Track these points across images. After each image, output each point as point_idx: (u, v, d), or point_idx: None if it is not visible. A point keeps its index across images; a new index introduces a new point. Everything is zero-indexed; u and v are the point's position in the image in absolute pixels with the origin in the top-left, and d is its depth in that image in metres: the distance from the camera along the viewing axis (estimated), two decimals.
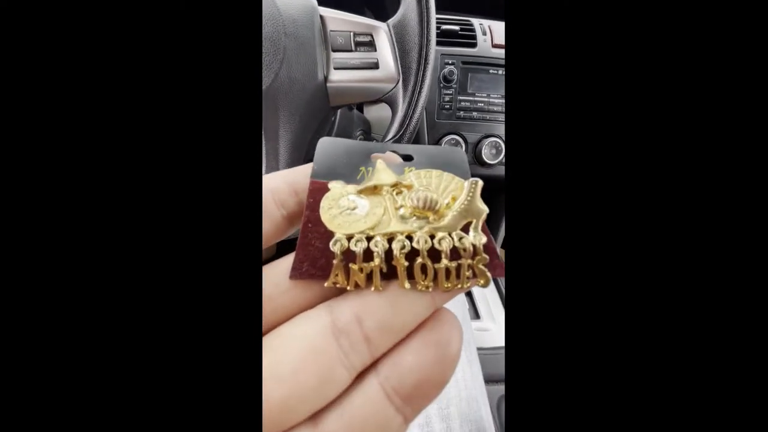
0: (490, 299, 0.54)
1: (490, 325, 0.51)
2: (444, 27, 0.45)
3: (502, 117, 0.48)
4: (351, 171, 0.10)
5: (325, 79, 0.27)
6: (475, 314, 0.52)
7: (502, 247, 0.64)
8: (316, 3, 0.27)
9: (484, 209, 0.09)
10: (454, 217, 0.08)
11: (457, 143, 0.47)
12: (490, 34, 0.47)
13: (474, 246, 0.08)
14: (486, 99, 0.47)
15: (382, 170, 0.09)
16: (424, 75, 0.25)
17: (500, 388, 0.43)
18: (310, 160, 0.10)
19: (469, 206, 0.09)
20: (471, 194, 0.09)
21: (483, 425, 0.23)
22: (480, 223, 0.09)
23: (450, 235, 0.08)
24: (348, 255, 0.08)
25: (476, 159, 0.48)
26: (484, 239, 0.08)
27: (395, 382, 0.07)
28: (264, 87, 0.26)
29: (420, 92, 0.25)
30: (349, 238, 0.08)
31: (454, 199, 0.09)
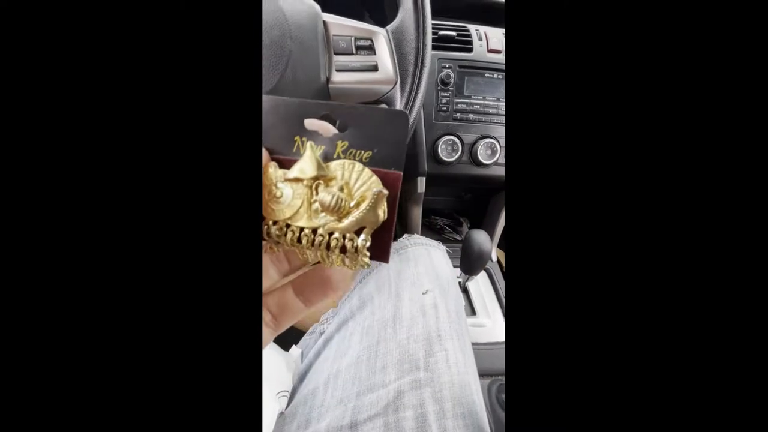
0: (486, 296, 0.55)
1: (486, 322, 0.52)
2: (441, 32, 0.47)
3: (497, 119, 0.49)
4: (287, 139, 0.11)
5: (327, 80, 0.29)
6: (472, 311, 0.53)
7: (498, 246, 0.66)
8: (319, 9, 0.28)
9: (381, 219, 0.10)
10: (350, 223, 0.10)
11: (454, 144, 0.49)
12: (486, 39, 0.49)
13: (357, 247, 0.10)
14: (482, 101, 0.49)
15: (310, 157, 0.10)
16: (420, 77, 0.26)
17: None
18: None
19: (366, 215, 0.10)
20: (371, 204, 0.10)
21: (475, 408, 0.24)
22: (371, 230, 0.10)
23: (344, 236, 0.10)
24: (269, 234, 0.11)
25: (472, 159, 0.50)
26: (368, 243, 0.10)
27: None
28: (269, 88, 0.28)
29: (417, 93, 0.26)
30: (274, 222, 0.11)
31: (363, 198, 0.10)
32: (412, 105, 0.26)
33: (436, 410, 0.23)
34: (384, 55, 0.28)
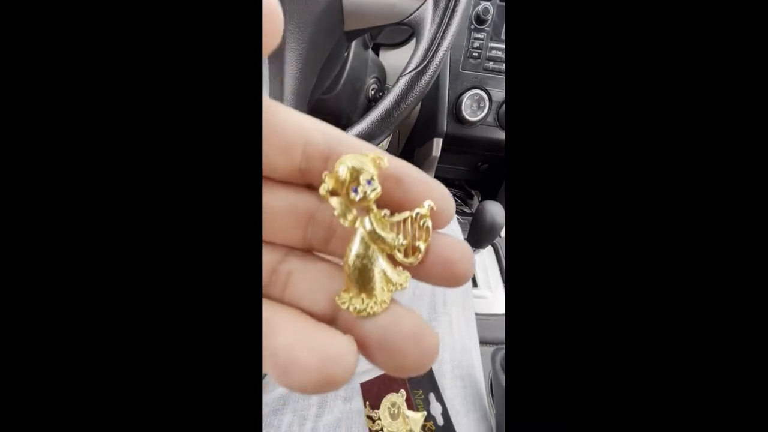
0: (489, 270, 0.54)
1: (487, 294, 0.51)
2: None
3: None
4: None
5: None
6: (474, 283, 0.52)
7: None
8: None
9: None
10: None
11: (480, 100, 0.43)
12: None
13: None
14: None
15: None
16: None
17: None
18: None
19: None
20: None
21: (473, 372, 0.24)
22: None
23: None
24: None
25: (498, 121, 0.44)
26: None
27: None
28: None
29: (454, 9, 0.21)
30: None
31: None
32: (446, 28, 0.21)
33: (435, 369, 0.22)
34: None
